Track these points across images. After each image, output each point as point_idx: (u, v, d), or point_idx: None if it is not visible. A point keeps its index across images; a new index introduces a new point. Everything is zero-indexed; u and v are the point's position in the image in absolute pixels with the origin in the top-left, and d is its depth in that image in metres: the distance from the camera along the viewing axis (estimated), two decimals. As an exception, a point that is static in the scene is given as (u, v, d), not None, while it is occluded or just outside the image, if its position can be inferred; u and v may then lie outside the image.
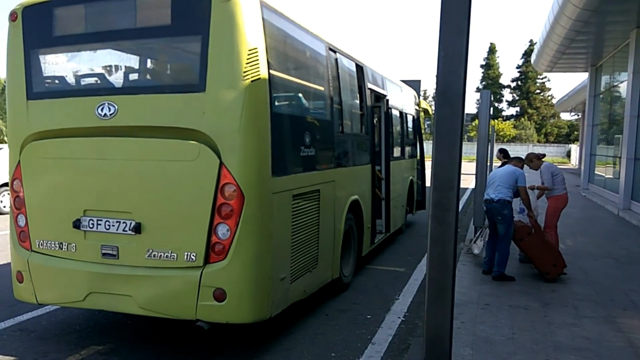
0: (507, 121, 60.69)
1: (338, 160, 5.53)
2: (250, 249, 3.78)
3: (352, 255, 6.13)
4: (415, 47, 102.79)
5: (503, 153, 8.48)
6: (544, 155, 7.35)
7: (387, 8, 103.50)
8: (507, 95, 67.22)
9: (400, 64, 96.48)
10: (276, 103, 4.08)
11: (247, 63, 3.68)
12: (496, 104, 64.79)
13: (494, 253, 6.33)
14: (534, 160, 7.02)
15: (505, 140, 53.55)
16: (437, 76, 1.88)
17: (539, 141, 59.29)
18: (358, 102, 6.52)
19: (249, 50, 3.69)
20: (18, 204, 4.32)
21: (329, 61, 5.40)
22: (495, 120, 53.95)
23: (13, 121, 4.37)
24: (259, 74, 3.76)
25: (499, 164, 8.07)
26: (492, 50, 65.32)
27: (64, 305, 4.38)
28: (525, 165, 6.83)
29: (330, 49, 5.46)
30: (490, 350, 4.08)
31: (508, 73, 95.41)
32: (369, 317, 5.12)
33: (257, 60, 3.75)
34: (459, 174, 1.91)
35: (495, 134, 27.90)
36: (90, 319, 4.98)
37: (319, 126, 5.09)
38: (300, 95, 4.79)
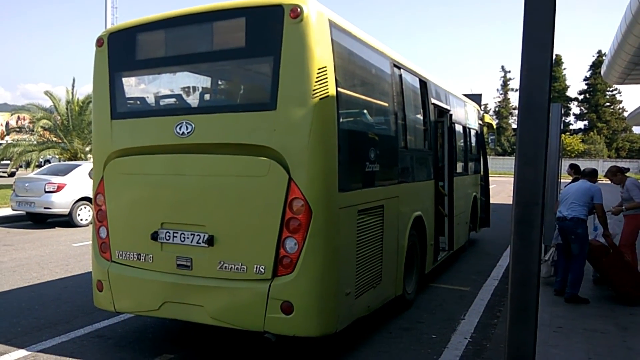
0: (575, 135, 57.92)
1: (402, 176, 5.50)
2: (317, 263, 3.83)
3: (415, 273, 6.04)
4: (468, 59, 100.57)
5: (574, 169, 8.09)
6: (628, 170, 6.88)
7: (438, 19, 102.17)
8: (575, 108, 64.36)
9: (453, 77, 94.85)
10: (343, 120, 4.14)
11: (316, 81, 3.77)
12: (563, 117, 61.93)
13: (567, 273, 6.04)
14: (618, 175, 6.61)
15: (573, 155, 51.05)
16: (520, 90, 1.85)
17: (609, 156, 56.04)
18: (421, 117, 6.48)
19: (319, 69, 3.78)
20: (100, 217, 4.60)
21: (394, 77, 5.42)
22: (563, 135, 51.60)
23: (98, 139, 4.69)
24: (328, 92, 3.84)
25: (570, 180, 7.71)
26: (557, 62, 62.73)
27: (139, 313, 4.59)
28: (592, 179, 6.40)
29: (395, 65, 5.47)
30: (566, 376, 3.88)
31: (574, 85, 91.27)
32: (434, 336, 5.01)
33: (326, 78, 3.83)
34: (544, 189, 1.86)
35: (563, 149, 26.73)
36: (162, 327, 5.19)
37: (383, 142, 5.10)
38: (365, 111, 4.83)
